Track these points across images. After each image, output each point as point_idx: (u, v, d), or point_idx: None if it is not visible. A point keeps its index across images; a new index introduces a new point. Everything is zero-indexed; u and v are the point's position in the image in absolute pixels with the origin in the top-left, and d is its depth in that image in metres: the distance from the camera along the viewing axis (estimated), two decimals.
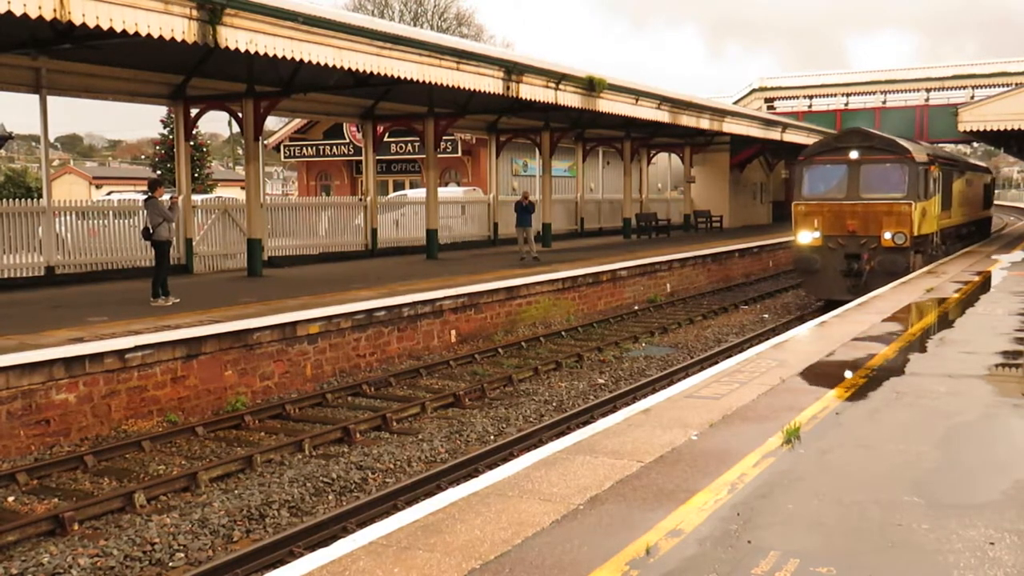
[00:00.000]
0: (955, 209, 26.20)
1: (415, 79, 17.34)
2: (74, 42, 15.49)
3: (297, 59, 14.64)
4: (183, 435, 11.81)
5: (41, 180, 22.43)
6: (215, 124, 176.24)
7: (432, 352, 16.65)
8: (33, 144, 74.33)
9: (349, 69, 15.80)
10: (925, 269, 24.85)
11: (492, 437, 11.75)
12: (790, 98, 49.92)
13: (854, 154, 20.59)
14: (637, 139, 37.21)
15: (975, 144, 79.01)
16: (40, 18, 10.82)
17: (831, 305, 18.55)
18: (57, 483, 10.09)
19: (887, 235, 20.02)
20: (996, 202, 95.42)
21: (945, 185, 23.55)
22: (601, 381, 14.85)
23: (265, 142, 30.12)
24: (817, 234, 20.74)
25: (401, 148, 38.17)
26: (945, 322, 13.14)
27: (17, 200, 19.75)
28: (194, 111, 21.62)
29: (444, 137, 26.31)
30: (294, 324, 14.14)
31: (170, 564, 8.03)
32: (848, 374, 9.52)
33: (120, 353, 11.70)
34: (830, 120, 46.33)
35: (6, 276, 18.01)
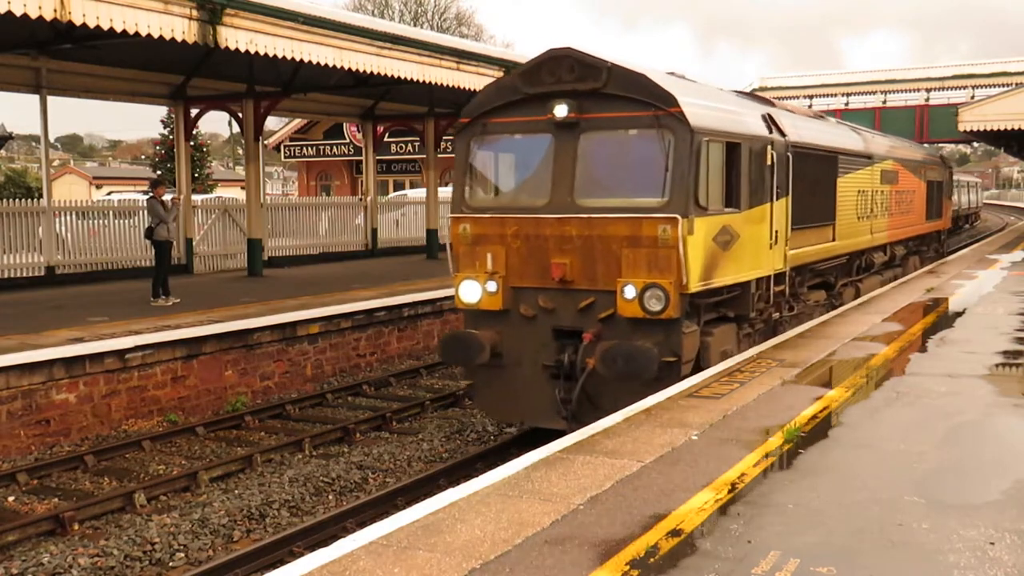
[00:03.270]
0: (848, 225, 15.42)
1: (415, 79, 17.35)
2: (74, 42, 15.50)
3: (297, 59, 14.65)
4: (183, 435, 11.81)
5: (41, 180, 22.44)
6: (215, 124, 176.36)
7: (433, 352, 16.66)
8: (33, 144, 74.31)
9: (349, 69, 15.81)
10: (925, 269, 21.95)
11: (493, 437, 11.74)
12: (790, 98, 49.84)
13: (561, 110, 9.78)
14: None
15: (975, 144, 79.04)
16: (40, 18, 10.83)
17: (542, 435, 9.44)
18: (57, 483, 10.09)
19: (627, 291, 9.51)
20: (996, 202, 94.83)
21: (815, 181, 13.58)
22: None
23: (265, 142, 30.13)
24: (494, 285, 10.09)
25: (401, 148, 38.20)
26: (946, 322, 13.13)
27: (17, 200, 19.77)
28: (194, 111, 21.63)
29: (444, 137, 26.29)
30: (294, 324, 14.15)
31: (170, 564, 8.04)
32: (849, 374, 9.51)
33: (120, 353, 11.71)
34: None
35: (6, 276, 18.01)
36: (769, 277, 11.68)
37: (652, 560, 4.80)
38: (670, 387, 9.10)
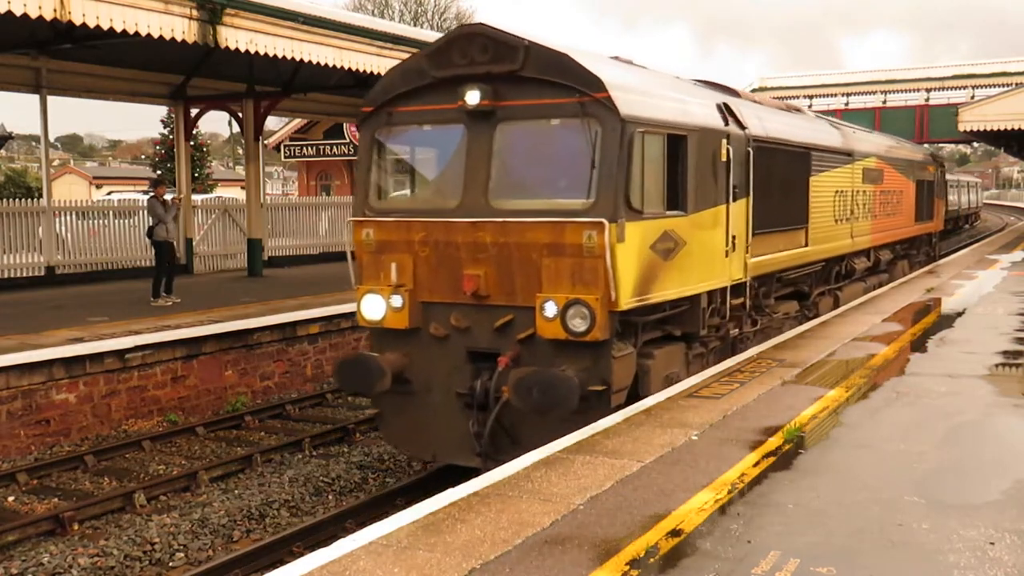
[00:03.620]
0: (823, 228, 14.09)
1: None
2: (74, 42, 15.50)
3: (297, 59, 14.65)
4: (183, 435, 11.81)
5: (41, 180, 22.44)
6: (215, 124, 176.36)
7: None
8: (33, 144, 74.31)
9: (349, 69, 15.80)
10: (925, 269, 21.54)
11: None
12: (791, 97, 49.88)
13: (473, 97, 8.53)
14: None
15: (975, 144, 79.06)
16: (40, 18, 10.83)
17: (455, 476, 8.28)
18: (57, 483, 10.09)
19: (547, 308, 8.29)
20: (996, 202, 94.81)
21: (784, 180, 12.33)
22: None
23: (265, 142, 30.10)
24: (400, 300, 8.85)
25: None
26: (946, 322, 13.13)
27: (17, 200, 19.77)
28: (194, 111, 21.63)
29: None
30: (294, 324, 14.16)
31: (170, 564, 8.04)
32: (849, 374, 9.51)
33: (120, 353, 11.71)
34: None
35: (6, 276, 18.02)
36: (725, 289, 10.33)
37: (652, 560, 4.80)
38: (670, 387, 9.07)
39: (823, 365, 10.02)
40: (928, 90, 46.80)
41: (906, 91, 47.40)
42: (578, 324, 8.11)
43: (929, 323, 13.08)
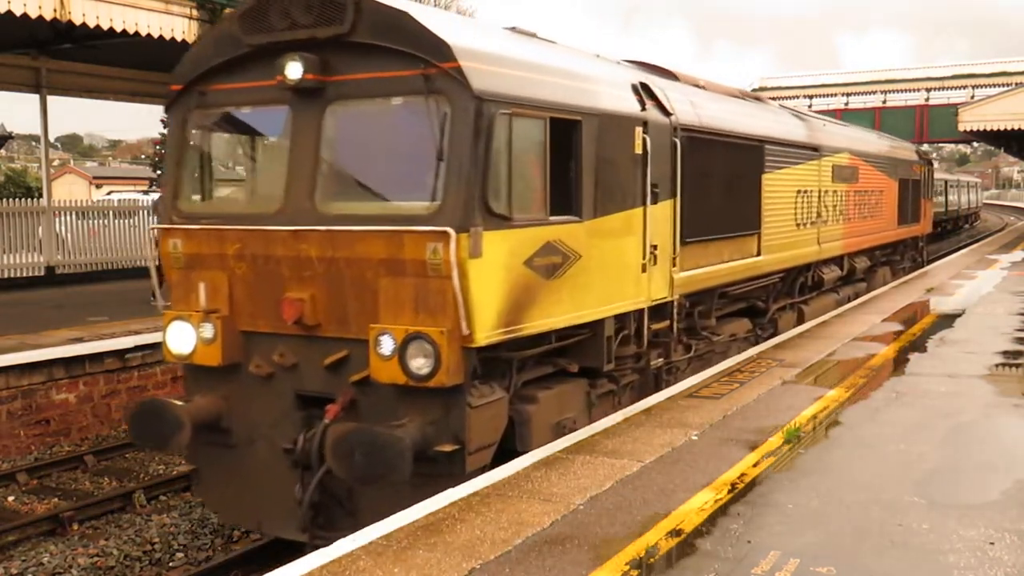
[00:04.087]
0: (781, 234, 12.43)
1: None
2: (74, 42, 15.50)
3: None
4: None
5: (41, 180, 22.44)
6: None
7: None
8: (33, 144, 74.26)
9: None
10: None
11: None
12: (790, 98, 49.95)
13: (294, 70, 6.67)
14: None
15: (975, 144, 79.10)
16: (40, 18, 10.84)
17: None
18: (57, 483, 10.09)
19: (383, 344, 6.49)
20: (996, 202, 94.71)
21: (728, 178, 10.76)
22: None
23: None
24: (211, 329, 7.12)
25: None
26: (945, 322, 13.13)
27: (17, 200, 19.77)
28: None
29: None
30: None
31: (170, 564, 8.03)
32: (849, 374, 9.51)
33: (120, 353, 11.70)
34: None
35: (6, 276, 18.02)
36: (642, 311, 8.59)
37: (652, 560, 4.80)
38: (670, 387, 9.04)
39: (823, 365, 10.02)
40: (928, 90, 46.86)
41: (906, 91, 47.47)
42: (419, 365, 6.31)
43: (929, 323, 13.08)
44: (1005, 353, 10.71)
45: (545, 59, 7.68)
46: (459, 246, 6.20)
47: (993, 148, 73.54)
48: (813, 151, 13.85)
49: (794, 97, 49.81)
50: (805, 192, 13.40)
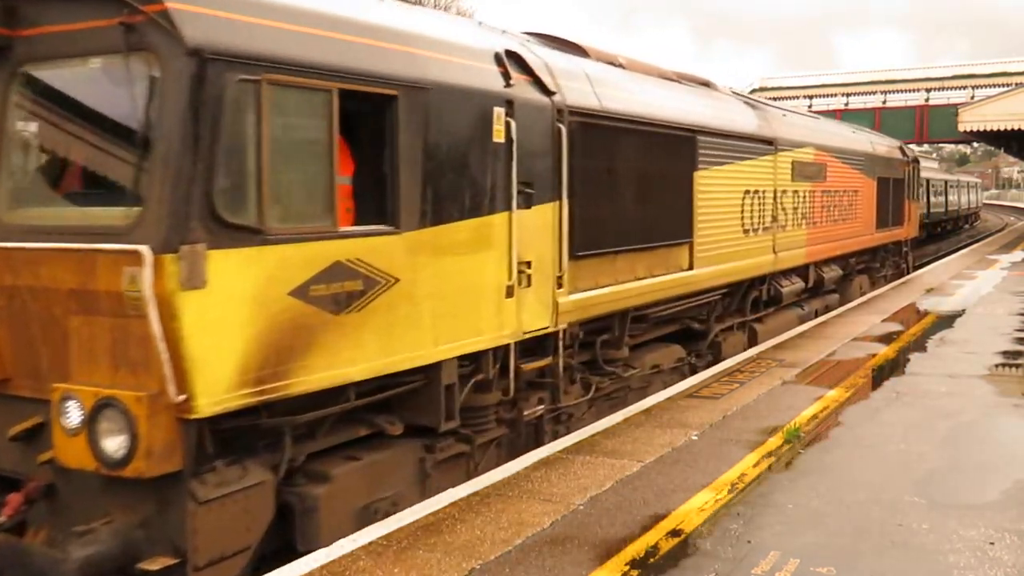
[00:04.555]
0: (722, 242, 10.55)
1: None
2: None
3: None
4: None
5: None
6: None
7: None
8: None
9: None
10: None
11: None
12: (791, 98, 49.99)
13: None
14: None
15: (975, 144, 79.11)
16: None
17: None
18: None
19: (68, 413, 4.60)
20: (996, 202, 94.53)
21: (645, 175, 8.86)
22: None
23: None
24: None
25: None
26: (945, 322, 13.13)
27: None
28: None
29: None
30: None
31: None
32: (849, 374, 9.52)
33: None
34: None
35: None
36: (508, 347, 6.78)
37: (652, 560, 4.80)
38: (670, 387, 9.03)
39: (823, 365, 10.02)
40: (928, 90, 46.87)
41: (906, 91, 47.49)
42: (113, 446, 4.53)
43: (929, 323, 13.08)
44: (1005, 353, 10.71)
45: (336, 7, 5.57)
46: (161, 272, 4.40)
47: (993, 148, 73.55)
48: (766, 144, 11.87)
49: (794, 97, 49.87)
50: (756, 193, 11.49)
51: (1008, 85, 37.78)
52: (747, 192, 11.23)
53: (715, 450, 6.77)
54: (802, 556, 4.82)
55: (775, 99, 49.04)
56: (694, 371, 10.08)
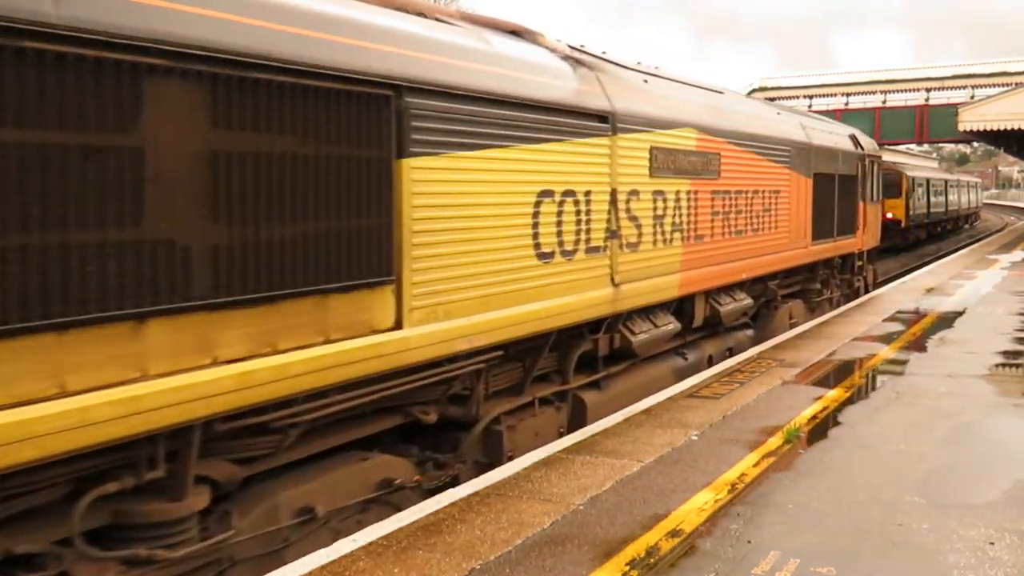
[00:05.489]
0: (488, 276, 6.44)
1: None
2: None
3: None
4: None
5: None
6: None
7: None
8: None
9: None
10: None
11: None
12: (790, 98, 50.00)
13: None
14: None
15: (975, 144, 79.01)
16: None
17: None
18: None
19: None
20: (996, 202, 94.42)
21: (255, 160, 4.60)
22: None
23: None
24: None
25: None
26: (945, 322, 13.13)
27: None
28: None
29: None
30: None
31: None
32: (849, 374, 9.52)
33: None
34: None
35: None
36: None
37: (652, 560, 4.80)
38: (670, 387, 9.03)
39: (823, 365, 10.03)
40: (928, 90, 46.86)
41: (906, 91, 47.48)
42: None
43: (929, 323, 13.08)
44: (1005, 353, 10.72)
45: None
46: None
47: (993, 148, 73.56)
48: (595, 121, 7.95)
49: (794, 97, 49.87)
50: (568, 195, 7.51)
51: (1008, 85, 37.79)
52: (546, 194, 7.22)
53: (715, 450, 6.78)
54: (802, 556, 4.82)
55: (775, 99, 48.97)
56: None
